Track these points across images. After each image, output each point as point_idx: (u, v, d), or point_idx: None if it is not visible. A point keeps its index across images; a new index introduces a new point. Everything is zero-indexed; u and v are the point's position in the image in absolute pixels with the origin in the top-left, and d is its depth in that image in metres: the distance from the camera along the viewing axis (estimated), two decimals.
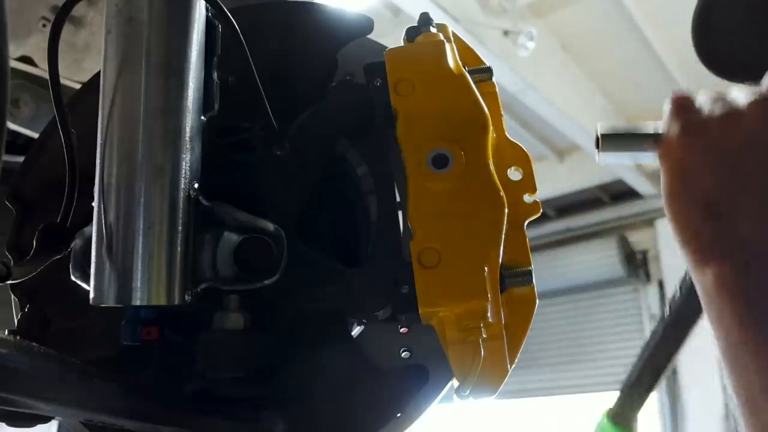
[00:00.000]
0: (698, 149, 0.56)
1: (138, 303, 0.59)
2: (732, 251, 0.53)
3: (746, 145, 0.54)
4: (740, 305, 0.52)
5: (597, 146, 0.66)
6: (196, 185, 0.62)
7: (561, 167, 6.01)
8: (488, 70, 0.74)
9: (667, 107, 0.61)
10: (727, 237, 0.54)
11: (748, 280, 0.52)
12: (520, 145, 0.73)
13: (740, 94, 0.58)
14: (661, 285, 6.00)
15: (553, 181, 5.89)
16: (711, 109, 0.58)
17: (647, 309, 6.08)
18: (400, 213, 0.67)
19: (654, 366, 1.27)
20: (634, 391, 1.27)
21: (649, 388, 1.28)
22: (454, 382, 0.66)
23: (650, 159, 0.63)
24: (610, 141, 0.65)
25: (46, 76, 0.66)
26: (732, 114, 0.56)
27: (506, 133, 0.73)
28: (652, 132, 0.63)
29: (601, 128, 0.66)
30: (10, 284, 0.68)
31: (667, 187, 0.59)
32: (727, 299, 0.53)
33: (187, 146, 0.62)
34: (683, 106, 0.60)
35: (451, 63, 0.68)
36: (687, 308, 1.29)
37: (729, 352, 0.53)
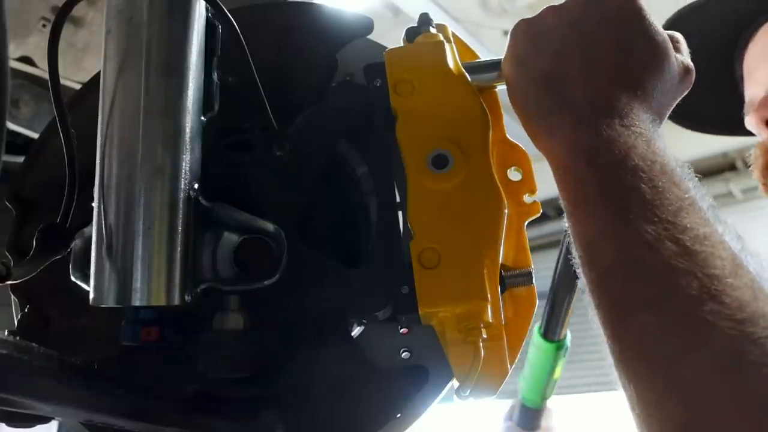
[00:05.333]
0: (529, 38, 0.66)
1: (138, 303, 0.58)
2: (568, 111, 0.61)
3: (567, 27, 0.64)
4: (579, 161, 0.59)
5: None
6: (196, 185, 0.62)
7: None
8: None
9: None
10: (562, 101, 0.61)
11: (583, 136, 0.59)
12: (520, 145, 0.73)
13: None
14: None
15: (552, 181, 5.88)
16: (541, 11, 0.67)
17: None
18: (400, 213, 0.67)
19: (567, 279, 1.30)
20: (557, 307, 1.31)
21: (569, 301, 1.32)
22: (454, 383, 0.66)
23: None
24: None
25: (46, 76, 0.66)
26: (556, 8, 0.66)
27: (506, 133, 0.73)
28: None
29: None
30: (10, 284, 0.68)
31: (509, 78, 0.66)
32: (567, 160, 0.60)
33: (187, 146, 0.62)
34: (523, 19, 0.69)
35: (450, 63, 0.68)
36: None
37: (570, 207, 0.60)
